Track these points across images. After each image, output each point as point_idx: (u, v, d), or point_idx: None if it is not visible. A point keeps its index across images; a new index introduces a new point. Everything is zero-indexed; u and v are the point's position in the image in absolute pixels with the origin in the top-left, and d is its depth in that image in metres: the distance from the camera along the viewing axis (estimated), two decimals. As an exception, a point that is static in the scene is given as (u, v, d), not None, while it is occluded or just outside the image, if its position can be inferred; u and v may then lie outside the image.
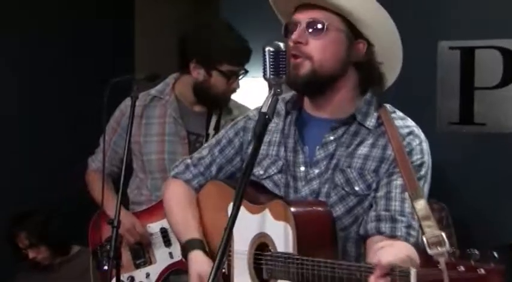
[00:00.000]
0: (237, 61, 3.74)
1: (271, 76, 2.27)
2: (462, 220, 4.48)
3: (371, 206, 2.43)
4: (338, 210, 2.45)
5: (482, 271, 1.74)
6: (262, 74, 2.31)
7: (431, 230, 2.09)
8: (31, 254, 4.75)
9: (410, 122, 2.52)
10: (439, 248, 1.96)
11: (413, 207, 2.23)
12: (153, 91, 3.93)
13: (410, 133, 2.46)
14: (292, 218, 2.33)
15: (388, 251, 2.08)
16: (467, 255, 1.79)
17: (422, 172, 2.43)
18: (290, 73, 2.34)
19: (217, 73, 3.74)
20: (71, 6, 5.95)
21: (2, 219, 4.92)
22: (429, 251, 1.97)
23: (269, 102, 2.24)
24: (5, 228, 4.86)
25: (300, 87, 2.49)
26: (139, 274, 3.87)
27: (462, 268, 1.77)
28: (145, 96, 3.87)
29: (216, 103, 3.83)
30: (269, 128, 2.45)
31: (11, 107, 5.67)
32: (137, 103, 3.47)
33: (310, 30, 2.43)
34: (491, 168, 4.65)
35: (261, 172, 2.59)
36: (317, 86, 2.47)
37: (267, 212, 2.45)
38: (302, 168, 2.52)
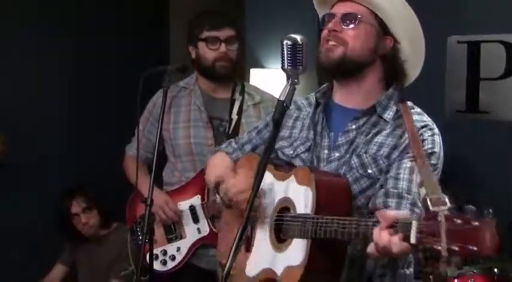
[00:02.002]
0: (211, 26, 3.71)
1: (289, 67, 2.27)
2: (469, 204, 4.40)
3: (381, 187, 2.41)
4: (352, 190, 2.43)
5: (476, 223, 1.75)
6: (280, 65, 2.29)
7: (436, 193, 2.02)
8: (84, 219, 4.73)
9: (426, 118, 2.50)
10: (441, 207, 1.92)
11: (414, 192, 2.24)
12: (181, 83, 3.93)
13: (425, 126, 2.44)
14: (314, 183, 2.34)
15: (393, 210, 2.15)
16: (465, 209, 1.83)
17: (433, 160, 2.39)
18: (323, 57, 2.44)
19: (200, 43, 3.74)
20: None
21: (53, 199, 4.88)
22: (431, 208, 1.93)
23: (287, 91, 2.25)
24: (56, 204, 4.83)
25: (332, 68, 2.48)
26: (171, 248, 3.84)
27: (459, 221, 1.78)
28: (175, 87, 3.86)
29: (214, 72, 3.78)
30: (302, 116, 2.63)
31: (62, 99, 5.69)
32: (168, 94, 3.44)
33: (345, 21, 2.45)
34: (494, 152, 4.59)
35: (291, 152, 2.60)
36: (347, 69, 2.47)
37: (292, 178, 2.47)
38: (326, 151, 2.53)
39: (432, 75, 4.63)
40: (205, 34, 3.71)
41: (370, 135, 2.46)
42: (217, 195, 2.81)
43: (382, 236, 2.00)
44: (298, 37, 2.27)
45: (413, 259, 2.58)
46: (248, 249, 2.60)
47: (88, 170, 5.48)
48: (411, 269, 2.57)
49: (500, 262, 3.78)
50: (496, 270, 3.65)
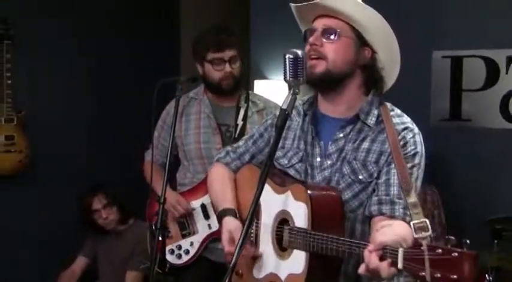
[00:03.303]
0: (215, 48, 3.68)
1: (291, 78, 2.28)
2: (450, 201, 4.45)
3: (373, 191, 2.42)
4: (346, 195, 2.44)
5: (456, 254, 1.80)
6: (283, 76, 2.30)
7: (418, 217, 2.11)
8: (104, 214, 4.75)
9: (406, 119, 2.49)
10: (423, 233, 2.00)
11: (404, 197, 2.23)
12: (191, 93, 3.92)
13: (406, 128, 2.44)
14: (309, 200, 2.34)
15: (385, 232, 2.08)
16: (446, 240, 1.83)
17: (416, 161, 2.41)
18: (308, 71, 2.35)
19: (206, 63, 3.72)
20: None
21: (75, 196, 4.90)
22: (415, 235, 2.01)
23: (288, 100, 2.26)
24: (79, 201, 4.86)
25: (316, 83, 2.47)
26: (185, 243, 3.84)
27: (440, 250, 1.82)
28: (185, 98, 3.86)
29: (220, 89, 3.77)
30: (293, 125, 2.61)
31: (84, 105, 5.69)
32: (179, 103, 3.47)
33: (325, 35, 2.44)
34: (475, 157, 4.61)
35: (286, 162, 2.60)
36: (330, 82, 2.46)
37: (289, 193, 2.46)
38: (318, 159, 2.52)
39: (419, 86, 4.70)
40: (210, 56, 3.68)
41: (357, 142, 2.46)
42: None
43: (372, 260, 2.01)
44: (299, 51, 2.27)
45: None
46: (255, 245, 2.62)
47: (108, 171, 5.49)
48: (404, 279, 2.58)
49: (479, 256, 3.80)
50: (476, 263, 3.65)
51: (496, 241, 4.02)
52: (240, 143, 2.86)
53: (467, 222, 4.46)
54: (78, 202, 4.85)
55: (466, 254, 1.79)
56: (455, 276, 1.79)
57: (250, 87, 5.12)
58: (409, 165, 2.35)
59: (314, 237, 2.28)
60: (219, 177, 2.84)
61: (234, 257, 2.09)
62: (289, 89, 2.29)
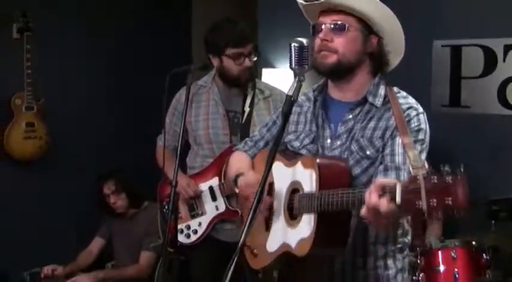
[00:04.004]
0: (235, 44, 3.64)
1: (296, 66, 2.30)
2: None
3: (381, 164, 2.42)
4: (355, 171, 2.44)
5: (450, 180, 1.82)
6: (288, 64, 2.31)
7: (416, 161, 2.12)
8: (113, 199, 4.76)
9: (411, 99, 2.51)
10: (420, 171, 1.98)
11: (407, 155, 2.20)
12: (200, 82, 3.90)
13: (410, 107, 2.45)
14: (317, 167, 2.35)
15: (384, 178, 2.17)
16: (441, 171, 1.84)
17: (420, 136, 2.41)
18: (319, 63, 2.43)
19: (225, 57, 3.68)
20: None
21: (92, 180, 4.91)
22: (412, 172, 2.02)
23: (294, 87, 2.26)
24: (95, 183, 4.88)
25: (328, 74, 2.50)
26: (193, 223, 3.86)
27: (435, 179, 1.84)
28: (195, 86, 3.83)
29: (239, 82, 3.77)
30: (304, 111, 2.62)
31: (99, 94, 5.68)
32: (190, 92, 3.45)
33: (334, 30, 2.44)
34: (473, 142, 4.60)
35: (298, 144, 2.60)
36: (341, 72, 2.47)
37: (299, 164, 2.48)
38: (328, 141, 2.53)
39: (420, 74, 4.69)
40: (231, 51, 3.64)
41: (365, 121, 2.46)
42: (236, 189, 2.82)
43: (372, 198, 2.02)
44: (304, 40, 2.29)
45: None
46: (267, 229, 2.61)
47: (123, 155, 5.49)
48: (409, 237, 2.60)
49: (477, 236, 3.79)
50: (473, 242, 3.65)
51: (493, 222, 4.01)
52: (256, 132, 2.88)
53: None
54: (94, 186, 4.87)
55: (458, 180, 1.81)
56: (449, 199, 1.80)
57: (258, 75, 5.10)
58: (413, 139, 2.33)
59: (321, 195, 2.28)
60: (237, 160, 2.85)
61: (243, 236, 2.08)
62: (295, 76, 2.29)
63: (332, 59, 2.43)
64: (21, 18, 5.08)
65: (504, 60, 4.50)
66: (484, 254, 3.62)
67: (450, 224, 4.26)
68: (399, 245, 2.54)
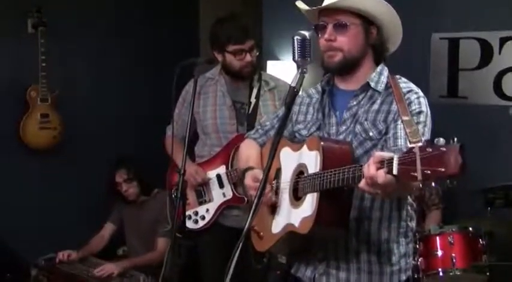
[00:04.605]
0: (236, 41, 3.63)
1: (299, 58, 2.30)
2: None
3: (382, 148, 2.41)
4: (358, 152, 2.44)
5: (443, 149, 1.81)
6: (291, 57, 2.31)
7: (415, 134, 2.08)
8: (124, 187, 4.76)
9: (411, 84, 2.51)
10: (417, 143, 1.96)
11: (406, 131, 2.16)
12: (207, 74, 3.90)
13: (410, 91, 2.45)
14: (321, 148, 2.34)
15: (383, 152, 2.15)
16: (435, 141, 1.84)
17: (422, 118, 2.40)
18: (327, 62, 2.47)
19: (227, 53, 3.68)
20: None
21: (104, 168, 4.91)
22: (409, 144, 1.99)
23: (297, 79, 2.28)
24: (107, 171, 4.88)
25: (336, 70, 2.52)
26: (201, 209, 3.85)
27: (430, 149, 1.83)
28: (202, 78, 3.82)
29: (242, 76, 3.76)
30: (312, 102, 2.64)
31: (110, 85, 5.69)
32: (197, 83, 3.45)
33: (337, 29, 2.44)
34: (470, 131, 4.53)
35: (306, 132, 2.61)
36: (347, 68, 2.49)
37: (304, 147, 2.48)
38: (334, 127, 2.54)
39: (419, 65, 4.68)
40: (232, 48, 3.64)
41: (368, 105, 2.47)
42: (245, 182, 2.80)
43: (370, 169, 2.02)
44: (306, 33, 2.29)
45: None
46: (273, 212, 2.61)
47: (133, 144, 5.52)
48: (413, 223, 2.59)
49: (474, 222, 3.79)
50: (470, 228, 3.64)
51: (489, 208, 4.01)
52: (266, 121, 2.88)
53: (463, 192, 4.43)
54: (107, 174, 4.87)
55: (451, 148, 1.81)
56: (442, 169, 1.80)
57: (263, 67, 5.10)
58: (415, 121, 2.31)
59: (323, 175, 2.28)
60: (247, 147, 2.86)
61: (249, 220, 2.09)
62: (298, 68, 2.31)
63: (338, 57, 2.44)
64: (35, 13, 5.10)
65: (500, 53, 4.51)
66: (480, 239, 3.62)
67: (449, 212, 4.26)
68: (402, 230, 2.53)
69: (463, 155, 1.80)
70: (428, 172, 1.82)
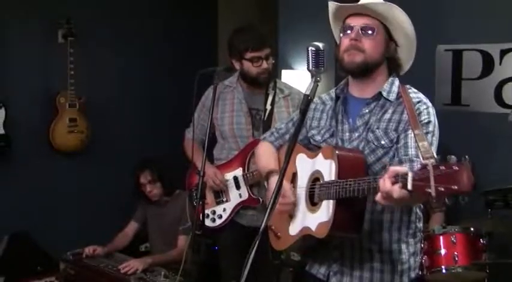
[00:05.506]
0: (252, 48, 3.64)
1: (313, 68, 2.30)
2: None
3: (394, 156, 2.41)
4: (370, 159, 2.44)
5: (456, 167, 1.81)
6: (306, 66, 2.32)
7: (427, 151, 2.07)
8: (149, 188, 4.73)
9: (421, 95, 2.51)
10: (430, 160, 1.96)
11: (418, 146, 2.17)
12: (226, 82, 3.90)
13: (420, 101, 2.45)
14: (336, 157, 2.35)
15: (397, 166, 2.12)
16: (448, 159, 1.85)
17: (430, 128, 2.40)
18: (347, 61, 2.45)
19: (245, 61, 3.69)
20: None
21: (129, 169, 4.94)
22: (422, 161, 1.98)
23: (311, 87, 2.26)
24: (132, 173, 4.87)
25: (355, 71, 2.49)
26: (218, 209, 3.85)
27: (443, 167, 1.83)
28: (221, 85, 3.83)
29: (258, 82, 3.76)
30: (326, 109, 2.63)
31: (135, 92, 5.72)
32: (216, 90, 3.47)
33: (364, 32, 2.44)
34: (472, 137, 4.58)
35: (319, 138, 2.61)
36: (366, 70, 2.47)
37: (320, 155, 2.49)
38: (347, 134, 2.53)
39: (424, 75, 4.66)
40: (249, 55, 3.65)
41: (380, 114, 2.47)
42: (265, 184, 2.83)
43: (386, 185, 2.01)
44: (320, 44, 2.30)
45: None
46: (290, 215, 2.62)
47: (156, 147, 5.53)
48: (421, 223, 2.60)
49: (475, 222, 3.78)
50: (472, 228, 3.64)
51: (489, 210, 4.00)
52: (282, 125, 2.87)
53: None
54: (131, 175, 4.86)
55: (464, 167, 1.80)
56: (455, 187, 1.79)
57: (278, 76, 5.10)
58: (424, 131, 2.32)
59: (339, 183, 2.28)
60: (265, 150, 2.86)
61: (265, 220, 2.09)
62: (312, 77, 2.30)
63: (360, 57, 2.43)
64: (65, 25, 5.16)
65: (500, 64, 4.49)
66: (481, 239, 3.60)
67: (452, 213, 4.25)
68: (411, 230, 2.54)
69: (474, 173, 1.80)
70: (442, 189, 1.81)
